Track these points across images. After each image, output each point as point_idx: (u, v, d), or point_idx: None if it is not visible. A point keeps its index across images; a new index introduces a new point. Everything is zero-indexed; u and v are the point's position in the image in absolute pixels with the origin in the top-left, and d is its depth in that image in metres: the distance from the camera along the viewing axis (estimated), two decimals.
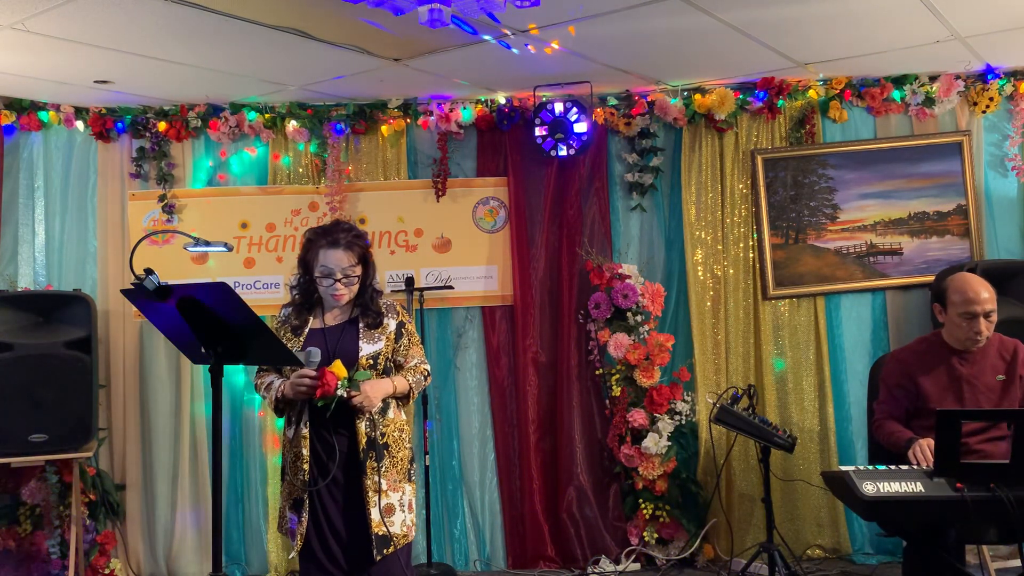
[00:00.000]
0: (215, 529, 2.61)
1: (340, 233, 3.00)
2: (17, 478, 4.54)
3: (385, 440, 3.00)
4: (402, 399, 3.09)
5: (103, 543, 4.67)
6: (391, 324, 3.06)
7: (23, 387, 4.23)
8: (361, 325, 3.02)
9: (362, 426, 2.95)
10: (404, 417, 3.13)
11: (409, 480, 3.07)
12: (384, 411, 3.02)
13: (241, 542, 4.91)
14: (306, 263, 3.04)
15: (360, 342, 2.99)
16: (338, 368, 2.86)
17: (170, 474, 4.89)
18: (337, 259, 2.97)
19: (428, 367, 3.18)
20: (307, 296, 3.08)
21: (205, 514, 4.84)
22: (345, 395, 2.85)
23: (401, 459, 3.04)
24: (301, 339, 3.01)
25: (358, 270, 3.01)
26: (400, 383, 3.03)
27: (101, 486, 4.69)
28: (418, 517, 4.57)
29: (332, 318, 3.06)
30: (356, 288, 3.03)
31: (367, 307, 3.05)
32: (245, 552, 4.91)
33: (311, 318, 3.06)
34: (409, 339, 3.11)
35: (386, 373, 3.04)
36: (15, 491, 4.54)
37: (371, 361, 2.97)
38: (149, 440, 4.90)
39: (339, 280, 2.97)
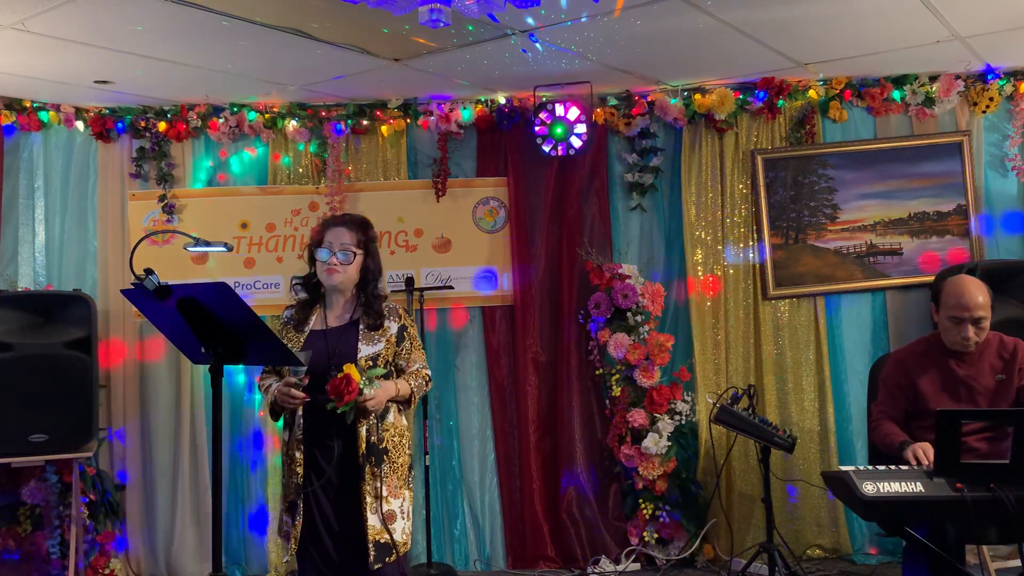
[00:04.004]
0: (215, 529, 2.61)
1: (345, 215, 3.12)
2: (17, 478, 4.54)
3: (384, 445, 2.94)
4: (403, 403, 3.05)
5: (103, 543, 4.67)
6: (392, 326, 3.02)
7: (23, 387, 4.23)
8: (362, 326, 2.99)
9: (363, 430, 2.90)
10: (405, 422, 3.08)
11: (408, 487, 3.02)
12: (384, 415, 2.97)
13: (241, 542, 4.91)
14: (312, 251, 3.04)
15: (359, 343, 2.96)
16: (352, 372, 2.81)
17: (170, 474, 4.89)
18: (337, 234, 2.99)
19: (429, 372, 3.13)
20: (311, 291, 3.07)
21: (205, 514, 4.83)
22: (363, 400, 2.82)
23: (401, 465, 2.99)
24: (302, 337, 2.99)
25: (356, 251, 2.99)
26: (402, 387, 2.99)
27: (101, 486, 4.69)
28: (418, 517, 4.61)
29: (334, 319, 3.03)
30: (352, 272, 2.99)
31: (369, 307, 3.00)
32: (245, 552, 4.91)
33: (313, 317, 3.04)
34: (411, 343, 3.07)
35: (386, 376, 2.99)
36: (15, 491, 4.54)
37: (370, 363, 2.93)
38: (149, 440, 4.91)
39: (334, 254, 2.95)
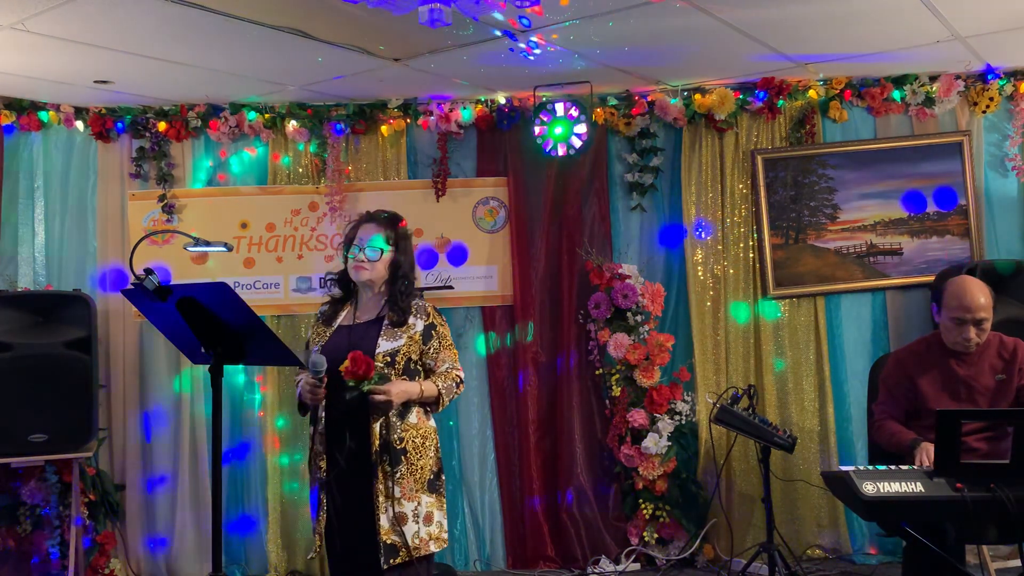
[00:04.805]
0: (215, 529, 2.61)
1: (379, 212, 3.09)
2: (17, 478, 4.54)
3: (403, 446, 2.88)
4: (430, 405, 2.98)
5: (103, 543, 4.67)
6: (418, 324, 2.96)
7: (23, 387, 4.23)
8: (386, 322, 2.95)
9: (376, 427, 2.85)
10: (432, 424, 3.01)
11: (430, 491, 2.93)
12: (406, 415, 2.92)
13: (241, 542, 4.91)
14: (345, 248, 3.04)
15: (380, 339, 2.91)
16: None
17: (170, 474, 4.89)
18: (366, 231, 2.99)
19: (461, 373, 3.05)
20: (345, 287, 3.07)
21: (205, 514, 4.83)
22: (366, 389, 2.79)
23: (421, 468, 2.90)
24: (330, 332, 2.99)
25: (386, 248, 2.97)
26: (428, 387, 2.93)
27: (101, 486, 4.69)
28: None
29: (363, 314, 3.02)
30: (381, 268, 2.97)
31: (395, 303, 2.96)
32: (245, 552, 4.91)
33: (343, 312, 3.04)
34: (440, 342, 3.01)
35: (406, 373, 2.93)
36: (15, 491, 4.54)
37: (388, 358, 2.88)
38: (149, 440, 4.90)
39: (363, 250, 2.95)
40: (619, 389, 4.79)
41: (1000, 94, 4.78)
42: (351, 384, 2.78)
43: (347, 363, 2.76)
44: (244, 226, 4.94)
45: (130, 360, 4.92)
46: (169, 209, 4.92)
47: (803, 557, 4.71)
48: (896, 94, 4.81)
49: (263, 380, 4.91)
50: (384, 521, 2.83)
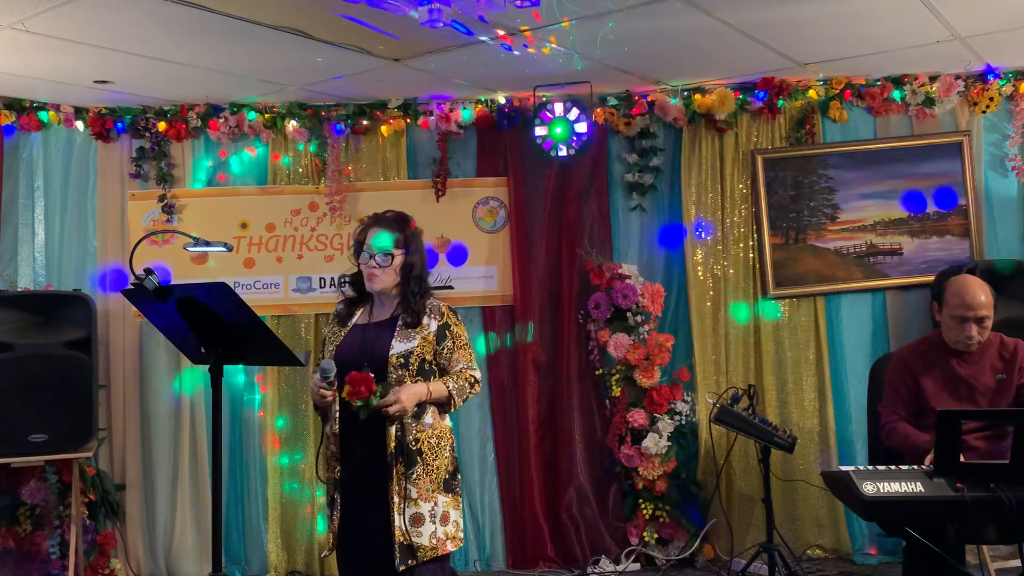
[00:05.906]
0: (215, 529, 2.61)
1: (387, 214, 3.04)
2: (17, 478, 4.53)
3: (419, 447, 2.86)
4: (443, 405, 2.95)
5: (103, 543, 4.67)
6: (432, 324, 2.94)
7: (23, 387, 4.23)
8: (399, 323, 2.93)
9: (392, 430, 2.83)
10: (447, 424, 2.98)
11: (446, 491, 2.91)
12: (421, 416, 2.88)
13: (241, 542, 4.91)
14: (358, 251, 3.02)
15: (393, 340, 2.89)
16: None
17: (170, 474, 4.89)
18: (375, 235, 2.96)
19: (476, 373, 3.00)
20: (359, 288, 3.04)
21: (205, 514, 4.83)
22: (375, 402, 2.76)
23: (437, 468, 2.89)
24: (344, 332, 2.98)
25: (395, 251, 2.94)
26: (438, 388, 2.89)
27: (101, 486, 4.69)
28: None
29: (378, 314, 3.00)
30: (392, 274, 2.94)
31: (409, 305, 2.94)
32: (245, 552, 4.91)
33: (359, 311, 3.03)
34: (454, 342, 2.98)
35: (421, 374, 2.91)
36: (15, 491, 4.54)
37: (402, 360, 2.86)
38: (149, 440, 4.90)
39: (373, 256, 2.92)
40: (619, 389, 4.79)
41: (1000, 94, 4.78)
42: (359, 405, 2.75)
43: (347, 388, 2.74)
44: (244, 226, 4.94)
45: (130, 360, 4.92)
46: (169, 209, 4.92)
47: (803, 557, 4.71)
48: (896, 94, 4.81)
49: (263, 380, 4.91)
50: (400, 522, 2.81)
